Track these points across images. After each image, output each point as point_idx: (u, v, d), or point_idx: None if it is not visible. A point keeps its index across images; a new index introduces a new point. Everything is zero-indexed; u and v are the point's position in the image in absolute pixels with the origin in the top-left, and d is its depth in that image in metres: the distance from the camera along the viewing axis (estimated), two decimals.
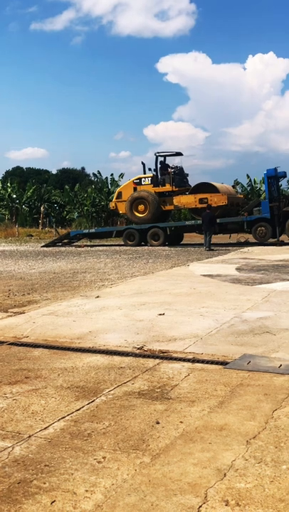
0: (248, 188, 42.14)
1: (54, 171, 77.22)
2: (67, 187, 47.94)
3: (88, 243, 27.11)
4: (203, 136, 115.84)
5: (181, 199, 24.55)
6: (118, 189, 28.26)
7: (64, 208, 47.42)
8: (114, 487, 2.63)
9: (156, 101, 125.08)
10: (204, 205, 23.22)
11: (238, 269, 12.85)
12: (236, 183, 42.73)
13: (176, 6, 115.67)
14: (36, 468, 2.86)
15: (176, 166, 25.89)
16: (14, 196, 47.43)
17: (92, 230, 28.43)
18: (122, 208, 25.92)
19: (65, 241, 27.24)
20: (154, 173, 25.37)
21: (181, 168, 26.04)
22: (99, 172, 49.01)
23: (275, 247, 20.54)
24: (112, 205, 27.64)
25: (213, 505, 2.45)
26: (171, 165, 25.80)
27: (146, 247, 23.28)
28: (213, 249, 20.23)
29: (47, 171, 77.08)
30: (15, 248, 24.63)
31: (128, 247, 23.51)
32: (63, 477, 2.75)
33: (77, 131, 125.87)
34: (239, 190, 42.35)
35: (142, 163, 26.20)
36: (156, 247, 23.24)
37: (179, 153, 26.74)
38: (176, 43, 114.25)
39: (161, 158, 25.74)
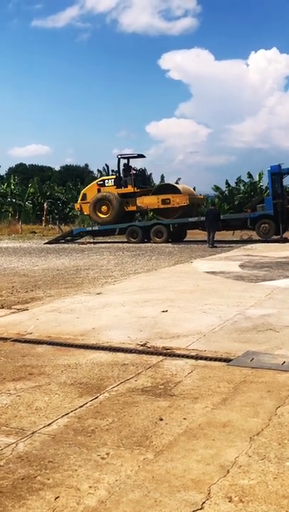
0: (251, 186, 42.01)
1: (57, 168, 77.18)
2: (69, 183, 47.85)
3: (91, 240, 27.10)
4: (206, 133, 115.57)
5: (144, 200, 24.96)
6: (82, 191, 28.72)
7: (67, 204, 47.36)
8: (117, 483, 2.64)
9: (158, 98, 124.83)
10: (167, 206, 23.79)
11: (241, 266, 12.84)
12: (239, 180, 42.68)
13: (179, 2, 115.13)
14: (40, 464, 2.87)
15: (139, 168, 26.44)
16: (17, 193, 47.46)
17: (96, 228, 28.38)
18: (87, 209, 26.29)
19: (68, 238, 27.30)
20: (117, 174, 25.74)
21: (144, 170, 26.78)
22: (104, 168, 48.79)
23: (278, 244, 20.49)
24: (77, 206, 28.25)
25: (217, 501, 2.45)
26: (133, 167, 26.28)
27: (149, 244, 23.25)
28: (216, 246, 20.20)
29: (50, 168, 76.91)
30: (18, 245, 24.66)
31: (131, 244, 23.49)
32: (67, 473, 2.76)
33: (81, 128, 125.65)
34: (242, 188, 42.31)
35: (106, 165, 26.86)
36: (159, 244, 23.21)
37: (141, 155, 27.47)
38: (178, 39, 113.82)
39: (124, 161, 26.24)
